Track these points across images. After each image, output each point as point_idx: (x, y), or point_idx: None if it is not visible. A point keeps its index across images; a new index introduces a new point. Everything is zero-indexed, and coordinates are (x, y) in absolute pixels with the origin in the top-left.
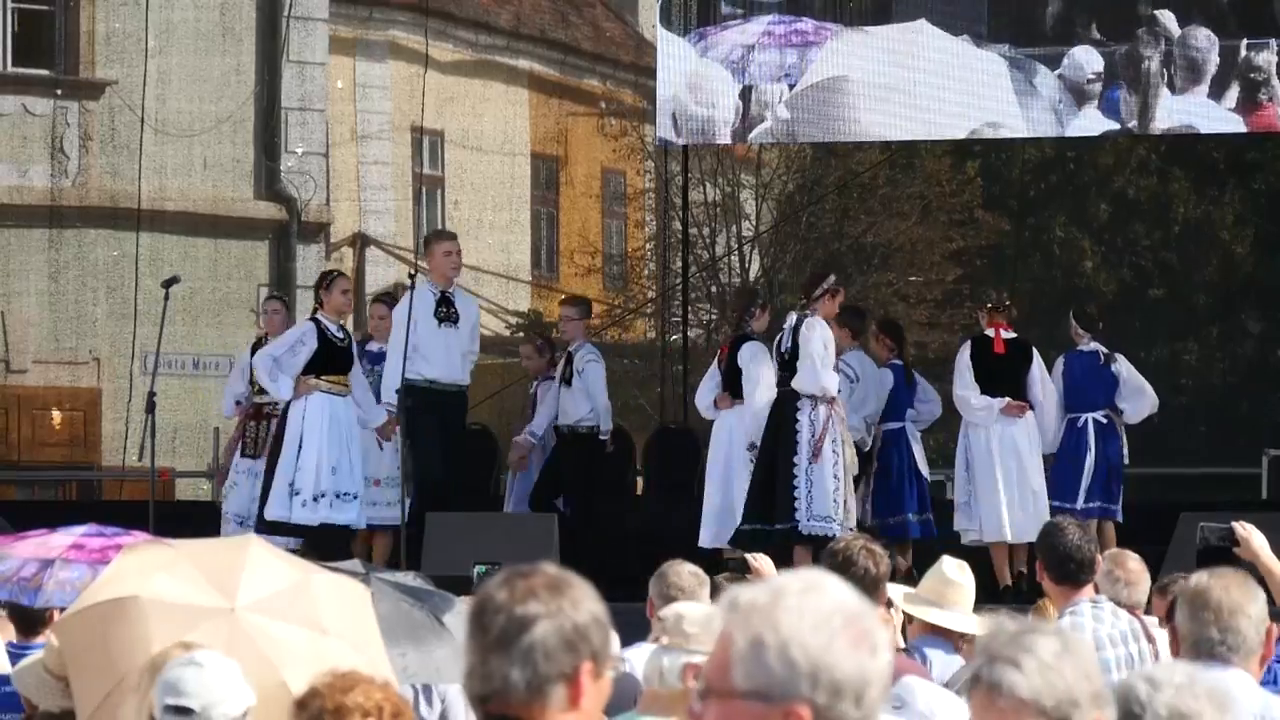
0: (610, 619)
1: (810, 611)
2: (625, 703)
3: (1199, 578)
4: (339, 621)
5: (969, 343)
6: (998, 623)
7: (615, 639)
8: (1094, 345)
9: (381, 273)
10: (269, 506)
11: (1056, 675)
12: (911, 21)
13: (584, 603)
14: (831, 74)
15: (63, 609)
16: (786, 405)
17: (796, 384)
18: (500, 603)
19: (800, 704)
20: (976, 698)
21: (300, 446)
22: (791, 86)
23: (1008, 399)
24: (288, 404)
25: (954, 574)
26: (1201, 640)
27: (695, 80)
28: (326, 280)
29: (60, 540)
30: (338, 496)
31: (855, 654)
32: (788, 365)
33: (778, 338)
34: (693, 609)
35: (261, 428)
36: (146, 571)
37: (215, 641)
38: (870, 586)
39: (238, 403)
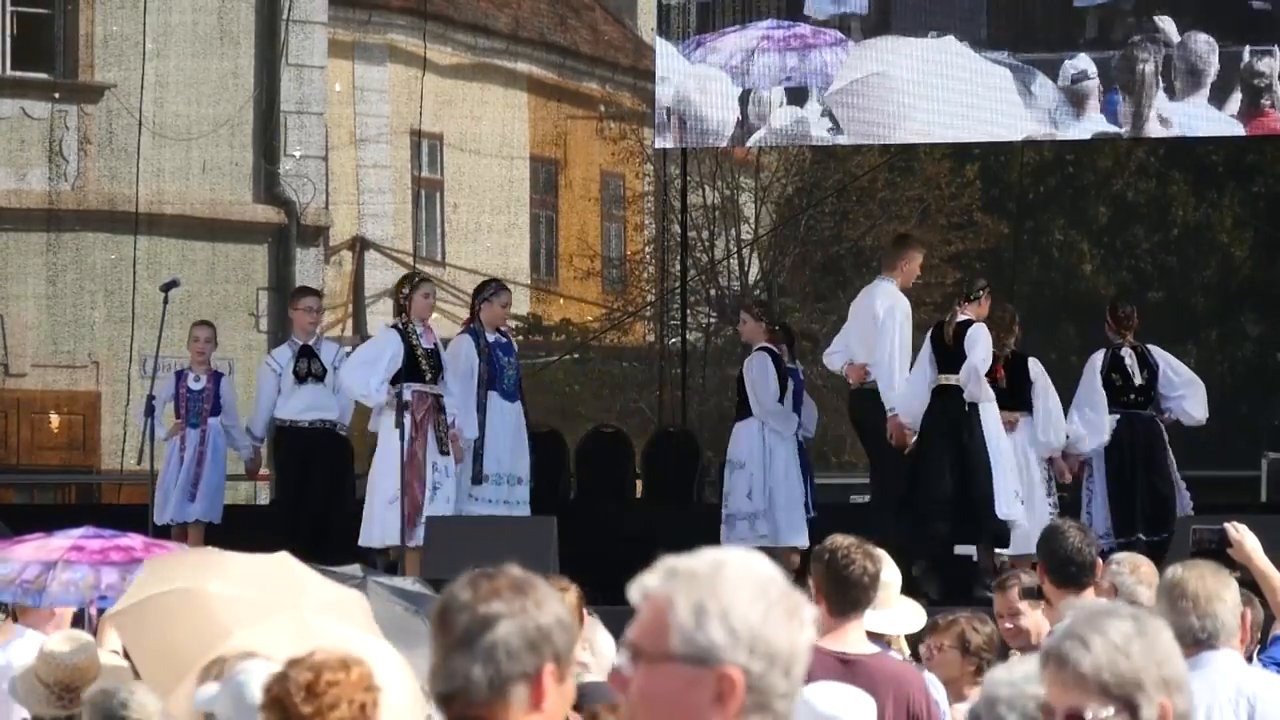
0: (573, 623)
1: (747, 582)
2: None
3: (1173, 570)
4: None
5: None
6: (1083, 604)
7: (610, 641)
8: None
9: (380, 276)
10: (1002, 505)
11: (1122, 656)
12: (943, 37)
13: (547, 604)
14: (866, 73)
15: (72, 609)
16: (1147, 425)
17: (1196, 411)
18: (464, 602)
19: (733, 668)
20: (1047, 672)
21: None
22: (791, 88)
23: None
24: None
25: (885, 574)
26: (1184, 629)
27: (695, 83)
28: (982, 288)
29: (59, 542)
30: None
31: (789, 626)
32: (1142, 391)
33: (1113, 363)
34: None
35: (441, 422)
36: (200, 570)
37: (286, 633)
38: (869, 586)
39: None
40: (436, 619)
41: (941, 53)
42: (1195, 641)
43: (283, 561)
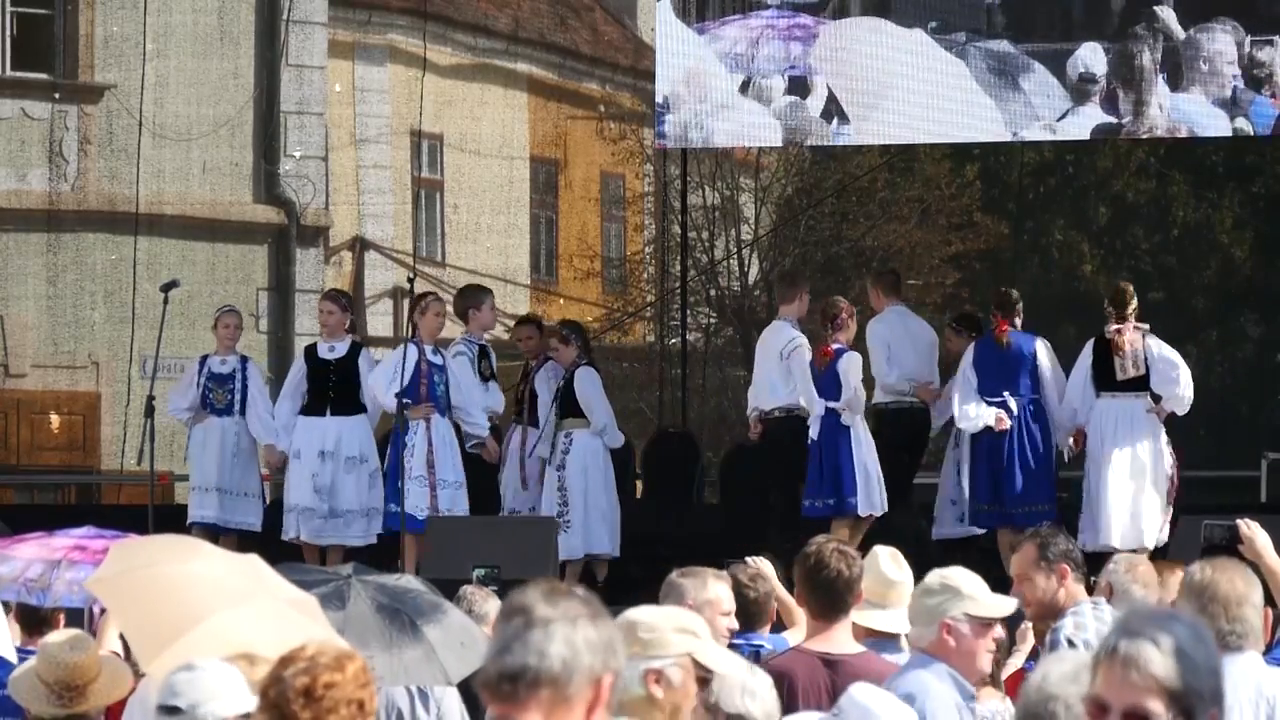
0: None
1: None
2: None
3: (1202, 571)
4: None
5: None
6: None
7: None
8: None
9: (380, 276)
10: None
11: (1190, 662)
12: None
13: (611, 622)
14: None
15: (72, 610)
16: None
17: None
18: (545, 608)
19: None
20: (1107, 668)
21: None
22: (793, 77)
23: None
24: None
25: (893, 573)
26: (1215, 632)
27: (693, 80)
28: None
29: (61, 541)
30: None
31: None
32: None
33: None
34: (640, 615)
35: None
36: (178, 551)
37: (267, 617)
38: (847, 589)
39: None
40: (508, 612)
41: (918, 45)
42: (1223, 645)
43: (253, 559)
